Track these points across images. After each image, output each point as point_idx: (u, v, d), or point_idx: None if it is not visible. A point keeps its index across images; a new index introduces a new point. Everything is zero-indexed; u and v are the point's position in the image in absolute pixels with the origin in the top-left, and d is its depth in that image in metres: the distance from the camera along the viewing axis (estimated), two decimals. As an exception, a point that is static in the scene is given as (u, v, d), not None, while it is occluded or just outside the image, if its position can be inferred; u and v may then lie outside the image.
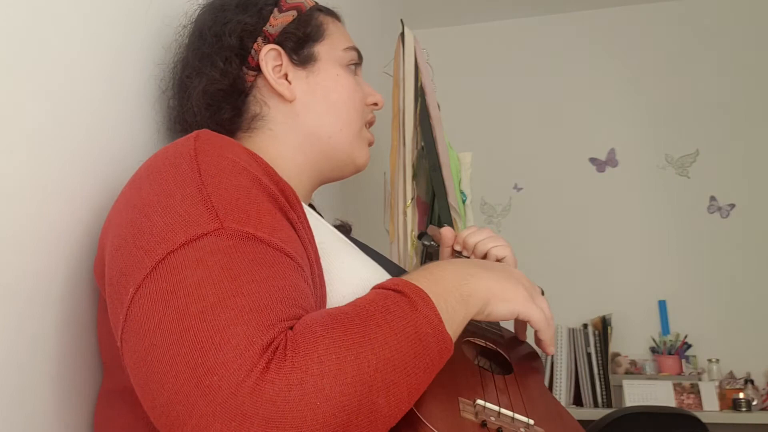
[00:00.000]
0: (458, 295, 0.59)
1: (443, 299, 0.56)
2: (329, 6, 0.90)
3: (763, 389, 2.34)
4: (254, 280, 0.51)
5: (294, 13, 0.82)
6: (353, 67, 0.86)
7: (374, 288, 0.57)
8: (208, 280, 0.50)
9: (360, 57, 0.88)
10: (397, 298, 0.54)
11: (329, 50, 0.84)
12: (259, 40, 0.80)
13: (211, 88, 0.77)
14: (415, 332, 0.52)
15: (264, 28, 0.80)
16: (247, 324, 0.48)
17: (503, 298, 0.64)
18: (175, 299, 0.49)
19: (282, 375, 0.45)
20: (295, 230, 0.60)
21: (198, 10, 0.84)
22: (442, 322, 0.54)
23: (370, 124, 0.90)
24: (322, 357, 0.46)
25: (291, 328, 0.50)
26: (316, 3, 0.87)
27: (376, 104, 0.89)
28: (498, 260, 0.83)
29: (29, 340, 0.61)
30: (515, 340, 0.79)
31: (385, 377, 0.48)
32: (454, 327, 0.57)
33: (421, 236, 0.97)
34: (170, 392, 0.46)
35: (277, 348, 0.47)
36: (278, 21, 0.81)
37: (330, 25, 0.86)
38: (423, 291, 0.55)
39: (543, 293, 0.74)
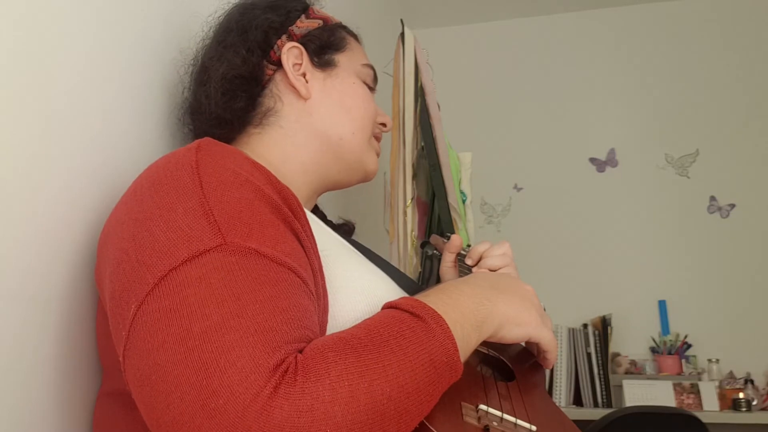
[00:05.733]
0: (474, 321, 0.58)
1: (459, 325, 0.55)
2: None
3: (763, 389, 2.34)
4: (258, 300, 0.50)
5: (320, 21, 0.86)
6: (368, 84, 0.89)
7: (388, 306, 0.56)
8: (212, 299, 0.49)
9: (376, 78, 0.90)
10: (413, 322, 0.53)
11: (349, 61, 0.86)
12: (284, 37, 0.82)
13: (230, 73, 0.79)
14: (430, 360, 0.51)
15: (290, 28, 0.83)
16: (252, 346, 0.47)
17: (517, 323, 0.64)
18: (178, 318, 0.49)
19: (291, 400, 0.44)
20: (299, 240, 0.60)
21: (229, 7, 0.87)
22: (457, 350, 0.53)
23: (377, 139, 0.91)
24: (334, 384, 0.46)
25: (300, 351, 0.49)
26: (341, 22, 0.90)
27: (384, 125, 0.91)
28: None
29: (30, 341, 0.61)
30: (517, 347, 0.79)
31: (397, 405, 0.48)
32: (466, 353, 0.56)
33: (423, 245, 0.96)
34: (175, 413, 0.46)
35: (285, 371, 0.46)
36: (304, 24, 0.84)
37: (352, 42, 0.89)
38: (441, 317, 0.54)
39: (545, 309, 0.74)
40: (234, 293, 0.50)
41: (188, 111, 0.84)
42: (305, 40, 0.83)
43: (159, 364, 0.48)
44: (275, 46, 0.81)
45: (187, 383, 0.46)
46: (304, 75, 0.82)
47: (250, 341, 0.47)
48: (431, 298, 0.57)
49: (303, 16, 0.85)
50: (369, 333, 0.51)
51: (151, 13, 0.83)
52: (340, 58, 0.85)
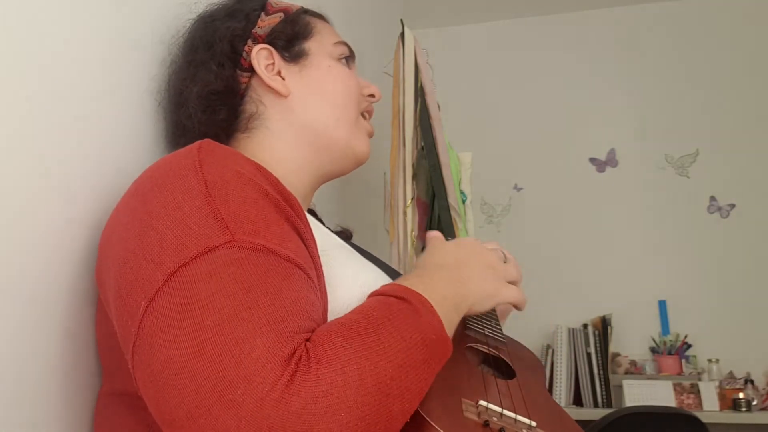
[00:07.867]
0: (452, 302, 0.62)
1: (440, 305, 0.58)
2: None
3: (763, 389, 2.34)
4: (268, 293, 0.51)
5: (281, 15, 0.84)
6: (345, 60, 0.87)
7: (372, 295, 0.58)
8: (223, 293, 0.50)
9: (351, 51, 0.88)
10: (400, 305, 0.55)
11: (319, 45, 0.84)
12: (249, 42, 0.81)
13: (205, 91, 0.78)
14: (422, 339, 0.53)
15: (253, 31, 0.81)
16: (266, 336, 0.48)
17: (486, 296, 0.70)
18: (190, 312, 0.49)
19: (307, 387, 0.46)
20: (302, 239, 0.60)
21: (190, 24, 0.85)
22: (443, 327, 0.56)
23: (369, 114, 0.90)
24: (345, 368, 0.47)
25: (308, 340, 0.50)
26: (302, 6, 0.88)
27: (372, 95, 0.89)
28: None
29: (30, 341, 0.61)
30: (517, 345, 0.80)
31: (399, 384, 0.50)
32: (450, 330, 0.59)
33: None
34: (190, 406, 0.46)
35: (299, 360, 0.47)
36: (266, 23, 0.82)
37: (318, 24, 0.87)
38: (425, 298, 0.57)
39: (505, 256, 0.79)
40: (245, 287, 0.50)
41: (174, 134, 0.83)
42: (271, 39, 0.81)
43: (172, 359, 0.48)
44: (243, 53, 0.80)
45: (202, 376, 0.46)
46: (279, 73, 0.81)
47: (263, 332, 0.48)
48: (411, 281, 0.60)
49: (263, 14, 0.83)
50: (366, 317, 0.53)
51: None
52: (310, 45, 0.83)
